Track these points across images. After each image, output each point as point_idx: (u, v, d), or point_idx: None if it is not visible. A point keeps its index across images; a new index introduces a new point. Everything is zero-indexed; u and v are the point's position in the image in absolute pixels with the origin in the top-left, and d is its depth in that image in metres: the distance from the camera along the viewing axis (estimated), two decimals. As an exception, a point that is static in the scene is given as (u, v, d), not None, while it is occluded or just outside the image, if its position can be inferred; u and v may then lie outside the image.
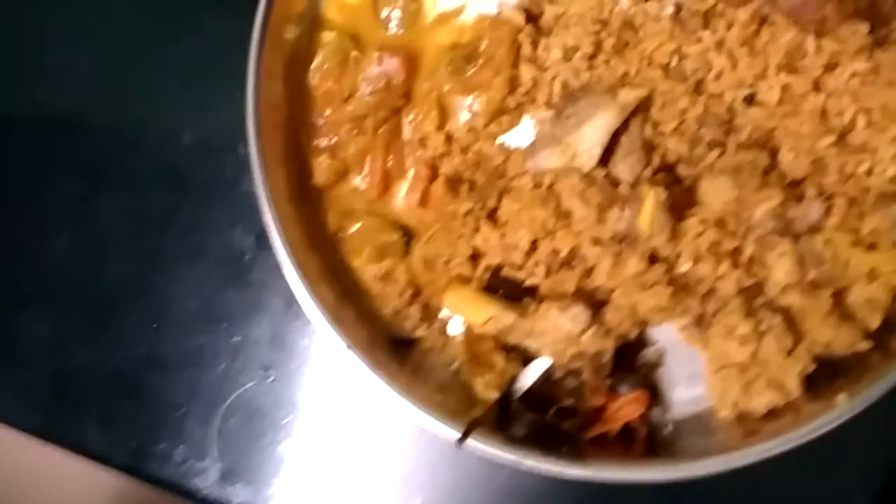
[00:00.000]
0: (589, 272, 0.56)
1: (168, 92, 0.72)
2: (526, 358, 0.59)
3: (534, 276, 0.58)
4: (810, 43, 0.48)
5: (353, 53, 0.61)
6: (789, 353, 0.51)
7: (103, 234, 0.73)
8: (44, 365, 0.72)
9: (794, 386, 0.52)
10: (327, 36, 0.62)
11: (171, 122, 0.71)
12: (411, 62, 0.60)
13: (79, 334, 0.73)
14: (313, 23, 0.63)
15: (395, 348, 0.62)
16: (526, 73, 0.57)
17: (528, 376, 0.59)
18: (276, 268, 0.61)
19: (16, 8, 0.76)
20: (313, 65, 0.62)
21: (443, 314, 0.62)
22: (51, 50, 0.75)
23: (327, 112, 0.62)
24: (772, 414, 0.53)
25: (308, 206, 0.63)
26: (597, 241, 0.54)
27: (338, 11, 0.63)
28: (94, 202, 0.73)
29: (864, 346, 0.51)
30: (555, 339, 0.56)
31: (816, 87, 0.49)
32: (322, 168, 0.62)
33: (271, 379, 0.69)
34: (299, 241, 0.61)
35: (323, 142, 0.62)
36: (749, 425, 0.54)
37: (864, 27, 0.48)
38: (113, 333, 0.72)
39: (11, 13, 0.76)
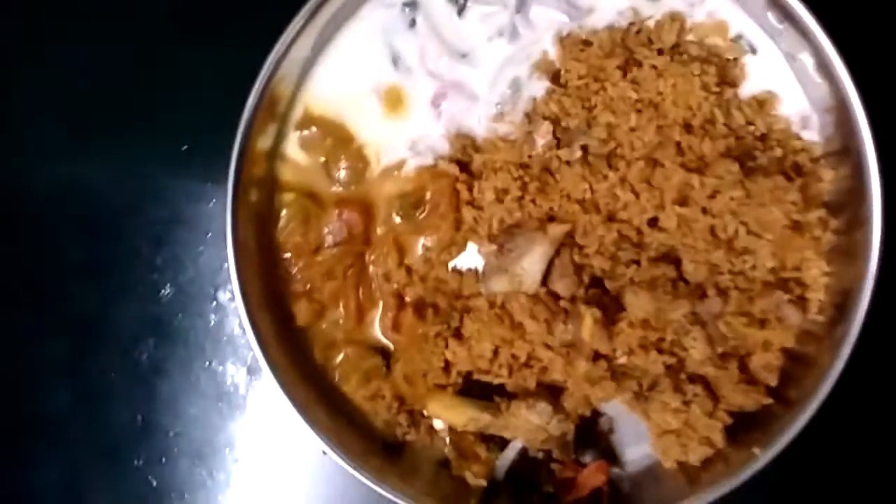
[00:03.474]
0: (544, 370, 0.68)
1: (144, 249, 0.79)
2: (503, 442, 0.71)
3: (499, 377, 0.69)
4: (695, 180, 0.61)
5: (314, 210, 0.70)
6: (711, 414, 0.64)
7: (99, 386, 0.80)
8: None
9: (718, 439, 0.65)
10: (287, 197, 0.71)
11: (150, 276, 0.79)
12: (367, 212, 0.70)
13: (89, 478, 0.80)
14: (272, 186, 0.71)
15: (390, 453, 0.72)
16: (467, 214, 0.68)
17: (508, 457, 0.71)
18: (270, 396, 0.69)
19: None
20: (280, 224, 0.70)
21: (427, 415, 0.72)
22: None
23: (300, 264, 0.70)
24: (707, 463, 0.66)
25: (293, 342, 0.72)
26: (548, 347, 0.66)
27: (292, 174, 0.71)
28: (85, 357, 0.80)
29: (767, 401, 0.64)
30: (526, 430, 0.67)
31: (704, 211, 0.62)
32: (302, 311, 0.71)
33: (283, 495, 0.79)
34: (291, 376, 0.70)
35: (299, 287, 0.71)
36: (690, 472, 0.67)
37: (735, 166, 0.60)
38: (122, 472, 0.80)
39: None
